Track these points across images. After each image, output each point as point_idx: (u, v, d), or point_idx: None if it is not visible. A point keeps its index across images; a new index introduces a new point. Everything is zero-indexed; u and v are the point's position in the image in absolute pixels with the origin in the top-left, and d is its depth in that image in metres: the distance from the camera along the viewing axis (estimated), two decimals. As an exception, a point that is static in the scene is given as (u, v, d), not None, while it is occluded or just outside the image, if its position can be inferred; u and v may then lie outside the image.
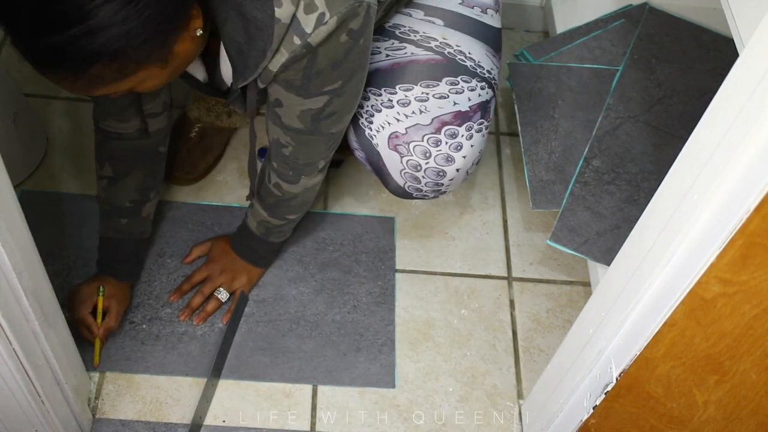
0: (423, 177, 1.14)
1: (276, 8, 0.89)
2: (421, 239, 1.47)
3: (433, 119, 1.12)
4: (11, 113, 1.38)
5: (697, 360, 0.82)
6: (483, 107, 1.16)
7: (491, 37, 1.21)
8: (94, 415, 1.21)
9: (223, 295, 1.31)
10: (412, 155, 1.13)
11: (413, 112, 1.13)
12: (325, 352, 1.30)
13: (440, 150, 1.12)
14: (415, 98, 1.13)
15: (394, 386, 1.28)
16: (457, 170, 1.14)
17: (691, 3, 1.60)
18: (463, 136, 1.13)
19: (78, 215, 1.40)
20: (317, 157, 1.13)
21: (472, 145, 1.14)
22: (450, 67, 1.15)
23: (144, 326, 1.29)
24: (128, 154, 1.21)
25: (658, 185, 0.79)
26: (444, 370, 1.32)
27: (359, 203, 1.49)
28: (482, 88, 1.16)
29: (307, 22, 0.90)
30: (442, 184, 1.16)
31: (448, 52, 1.15)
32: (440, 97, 1.13)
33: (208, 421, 1.22)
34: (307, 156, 1.12)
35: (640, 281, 0.82)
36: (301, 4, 0.90)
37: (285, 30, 0.91)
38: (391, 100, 1.14)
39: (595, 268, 1.26)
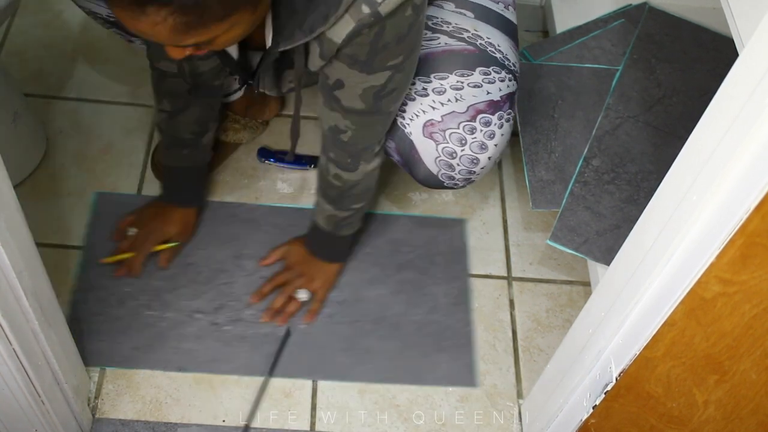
0: (458, 164, 1.15)
1: None
2: (421, 239, 1.47)
3: (468, 107, 1.14)
4: (11, 113, 1.38)
5: (697, 360, 0.82)
6: (510, 98, 1.18)
7: (513, 32, 1.24)
8: (93, 415, 1.21)
9: (302, 295, 1.32)
10: (448, 142, 1.14)
11: (449, 100, 1.14)
12: (407, 353, 1.30)
13: (475, 137, 1.14)
14: (450, 86, 1.14)
15: (476, 385, 1.29)
16: (489, 158, 1.15)
17: (690, 3, 1.60)
18: (495, 124, 1.14)
19: None
20: (374, 140, 1.14)
21: (502, 134, 1.16)
22: (482, 58, 1.16)
23: (229, 327, 1.30)
24: (183, 91, 1.21)
25: (658, 185, 0.79)
26: (444, 370, 1.32)
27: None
28: (510, 80, 1.18)
29: None
30: (474, 172, 1.17)
31: (480, 44, 1.17)
32: (474, 86, 1.15)
33: (208, 421, 1.22)
34: (365, 139, 1.13)
35: (639, 281, 0.82)
36: None
37: (353, 1, 0.90)
38: (426, 89, 1.14)
39: (595, 268, 1.26)
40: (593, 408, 0.98)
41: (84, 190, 1.46)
